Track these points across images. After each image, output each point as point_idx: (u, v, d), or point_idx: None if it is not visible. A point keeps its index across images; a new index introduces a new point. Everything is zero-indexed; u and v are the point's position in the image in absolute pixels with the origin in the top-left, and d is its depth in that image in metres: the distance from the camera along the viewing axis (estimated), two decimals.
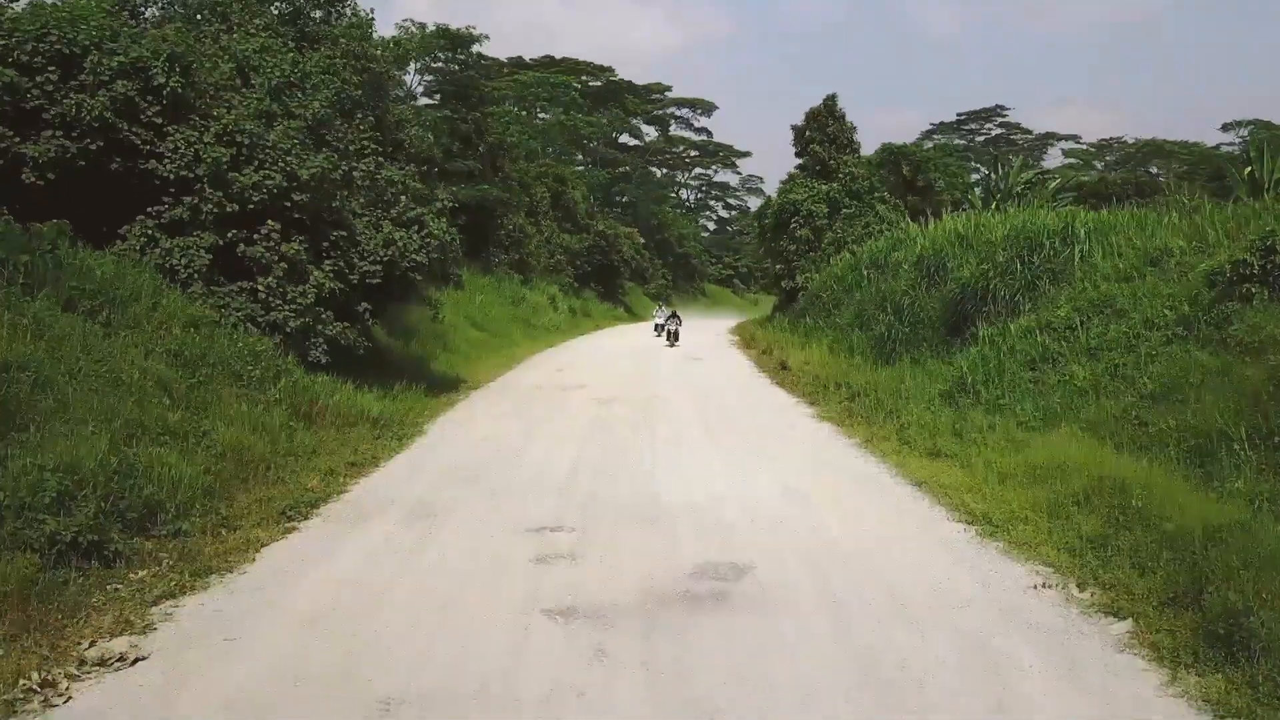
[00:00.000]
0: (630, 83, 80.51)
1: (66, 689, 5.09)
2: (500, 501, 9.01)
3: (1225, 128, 77.31)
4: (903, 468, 10.29)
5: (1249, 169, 22.15)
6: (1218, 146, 72.29)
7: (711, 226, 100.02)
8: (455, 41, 36.85)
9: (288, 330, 13.12)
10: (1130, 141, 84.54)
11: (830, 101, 35.45)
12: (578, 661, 5.32)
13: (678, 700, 4.87)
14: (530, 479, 9.98)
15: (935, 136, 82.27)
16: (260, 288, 13.07)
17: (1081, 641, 5.69)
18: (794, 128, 35.81)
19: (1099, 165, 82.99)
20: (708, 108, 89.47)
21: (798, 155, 36.06)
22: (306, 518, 8.49)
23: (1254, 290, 10.41)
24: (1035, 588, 6.60)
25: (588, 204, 55.84)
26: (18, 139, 11.98)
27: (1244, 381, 9.38)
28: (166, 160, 12.75)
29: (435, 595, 6.46)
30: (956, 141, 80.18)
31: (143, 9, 17.73)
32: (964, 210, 26.41)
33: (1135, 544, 6.99)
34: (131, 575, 6.85)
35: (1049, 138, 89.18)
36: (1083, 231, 15.99)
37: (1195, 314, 11.15)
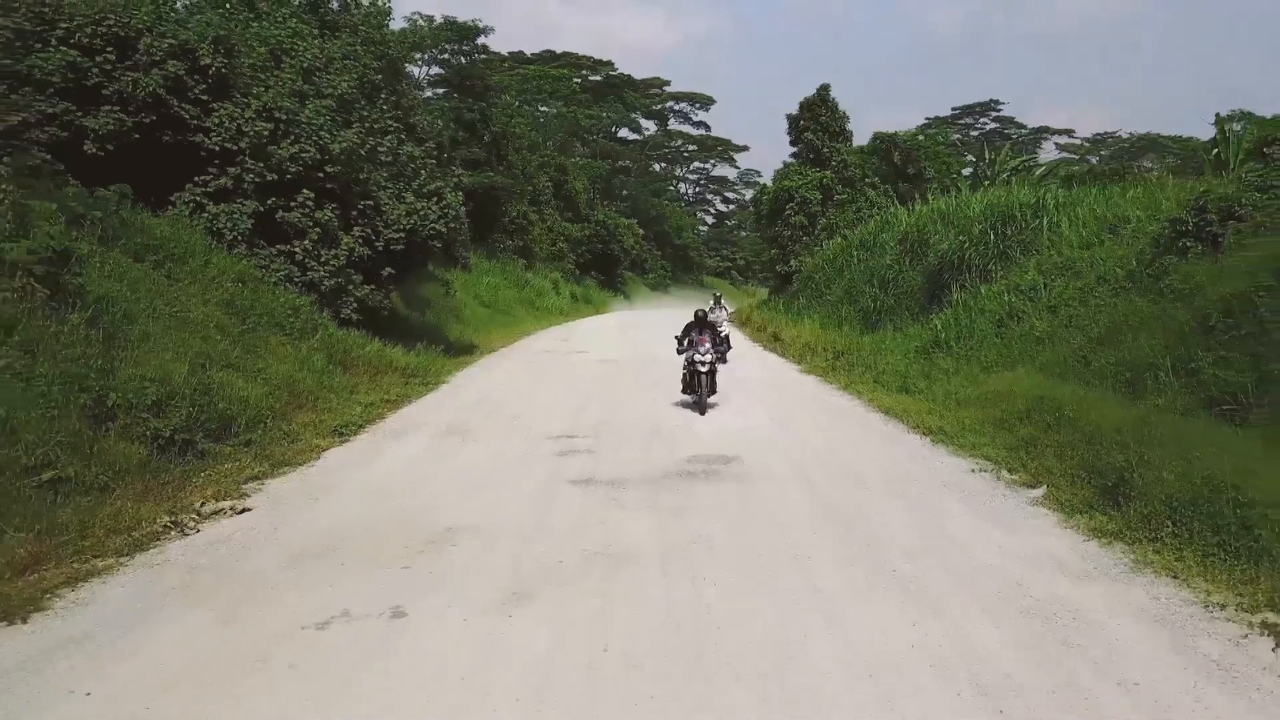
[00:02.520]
0: (629, 77, 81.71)
1: (194, 526, 6.43)
2: (522, 423, 10.37)
3: (1218, 121, 78.29)
4: (874, 401, 11.64)
5: (1215, 150, 23.56)
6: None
7: (710, 220, 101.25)
8: (461, 33, 38.12)
9: (322, 289, 14.45)
10: (1125, 136, 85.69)
11: (823, 91, 36.69)
12: (598, 506, 6.68)
13: (676, 527, 6.24)
14: (546, 409, 11.33)
15: (930, 130, 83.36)
16: (297, 250, 14.38)
17: (1004, 501, 7.05)
18: (789, 117, 37.06)
19: (1093, 159, 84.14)
20: (705, 102, 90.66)
21: (792, 144, 37.32)
22: (356, 434, 9.84)
23: (1189, 245, 11.73)
24: (973, 471, 7.96)
25: (588, 194, 57.11)
26: (80, 113, 13.23)
27: (1173, 322, 10.68)
28: (212, 134, 14.03)
29: (475, 475, 7.81)
30: (954, 137, 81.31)
31: None
32: (952, 194, 27.69)
33: (1060, 441, 8.33)
34: (220, 467, 8.18)
35: (1043, 131, 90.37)
36: (1052, 205, 17.32)
37: (1140, 269, 12.47)
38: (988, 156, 35.91)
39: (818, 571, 5.38)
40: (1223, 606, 4.90)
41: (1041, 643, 4.46)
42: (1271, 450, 6.98)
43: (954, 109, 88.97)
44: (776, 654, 4.31)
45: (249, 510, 6.82)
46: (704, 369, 11.71)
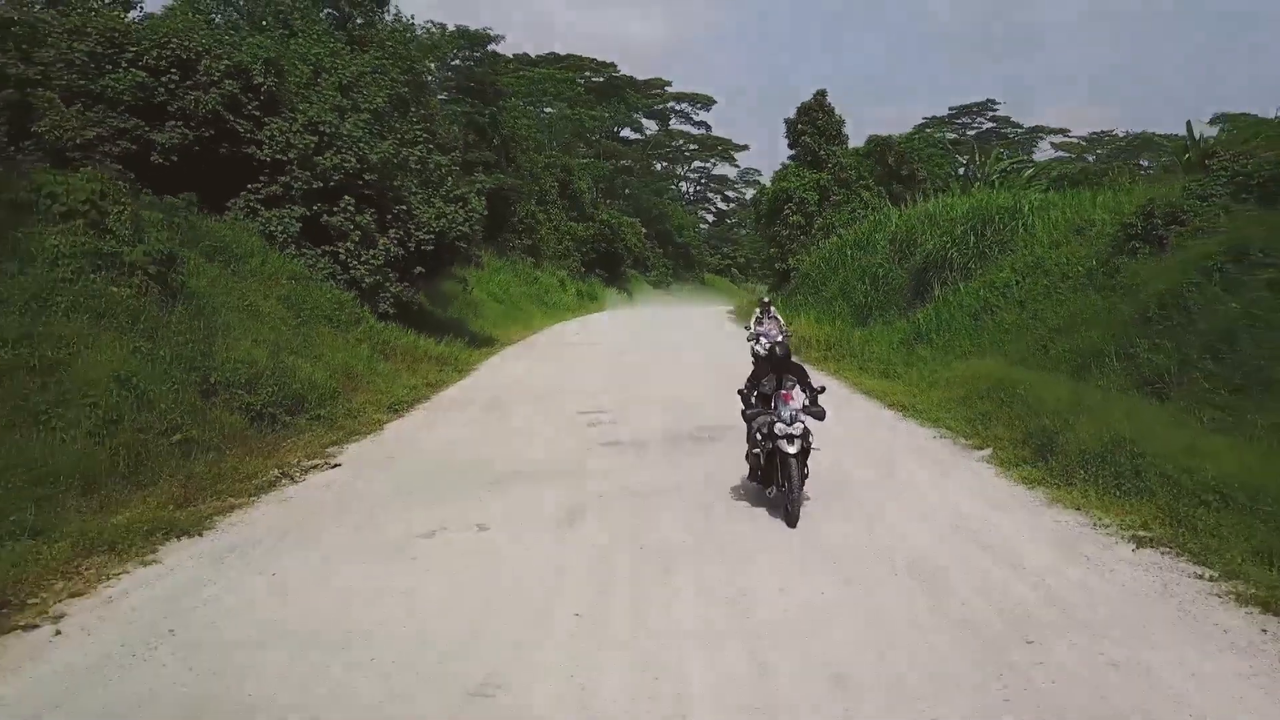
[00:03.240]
0: (631, 78, 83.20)
1: (300, 476, 7.98)
2: (552, 400, 11.95)
3: (1213, 121, 79.57)
4: (857, 384, 13.21)
5: (1187, 154, 25.08)
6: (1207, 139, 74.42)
7: (710, 219, 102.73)
8: (473, 41, 39.67)
9: (363, 286, 16.01)
10: (1121, 135, 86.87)
11: (820, 96, 38.19)
12: (625, 459, 8.25)
13: (689, 471, 7.85)
14: (571, 390, 12.94)
15: (925, 131, 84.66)
16: (340, 251, 15.94)
17: (955, 459, 8.61)
18: (787, 120, 38.62)
19: (1090, 158, 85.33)
20: (706, 102, 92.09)
21: (790, 146, 38.86)
22: (409, 410, 11.43)
23: (1138, 246, 13.25)
24: (934, 438, 9.52)
25: (592, 194, 58.70)
26: (148, 128, 14.76)
27: (1119, 315, 12.22)
28: (264, 146, 15.57)
29: (519, 440, 9.40)
30: (949, 136, 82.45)
31: (215, 15, 20.54)
32: (941, 196, 29.17)
33: (1010, 415, 9.87)
34: (301, 436, 9.73)
35: (1038, 131, 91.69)
36: (1027, 208, 18.83)
37: (1097, 268, 13.99)
38: (978, 158, 37.30)
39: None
40: (1107, 526, 6.44)
41: (964, 547, 6.01)
42: (1178, 418, 8.54)
43: (951, 109, 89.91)
44: (762, 550, 5.86)
45: (339, 465, 8.38)
46: (793, 449, 6.81)
